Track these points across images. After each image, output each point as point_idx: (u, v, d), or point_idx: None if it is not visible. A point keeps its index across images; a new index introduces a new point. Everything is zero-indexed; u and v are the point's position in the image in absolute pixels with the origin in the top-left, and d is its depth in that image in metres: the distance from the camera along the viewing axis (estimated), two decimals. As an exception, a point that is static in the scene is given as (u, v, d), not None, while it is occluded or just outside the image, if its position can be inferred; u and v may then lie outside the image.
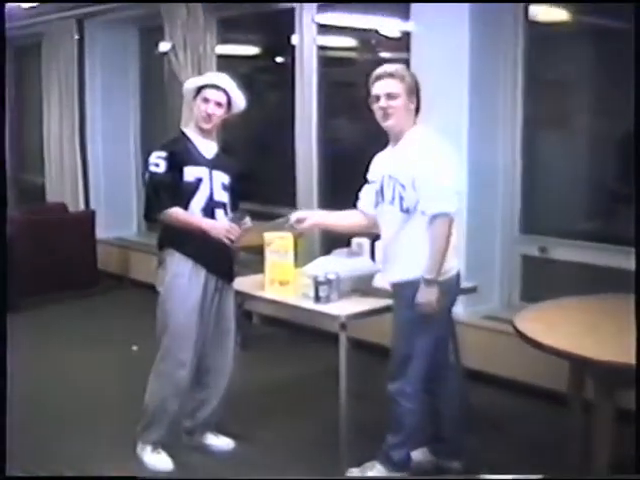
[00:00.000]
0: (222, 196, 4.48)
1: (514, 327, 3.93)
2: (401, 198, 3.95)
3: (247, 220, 4.51)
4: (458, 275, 4.14)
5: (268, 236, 4.53)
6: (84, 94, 9.42)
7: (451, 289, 4.04)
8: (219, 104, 4.39)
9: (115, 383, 5.85)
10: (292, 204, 7.27)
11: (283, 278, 4.48)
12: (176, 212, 4.30)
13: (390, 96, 3.98)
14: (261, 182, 8.04)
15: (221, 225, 4.35)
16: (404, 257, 4.01)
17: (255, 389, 5.27)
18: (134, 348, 6.58)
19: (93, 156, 9.54)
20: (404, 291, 4.01)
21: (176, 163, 4.32)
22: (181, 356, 4.39)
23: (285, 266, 4.49)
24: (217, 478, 4.38)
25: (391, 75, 4.00)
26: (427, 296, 3.87)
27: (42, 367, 6.08)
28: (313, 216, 4.45)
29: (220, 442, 4.73)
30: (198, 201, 4.37)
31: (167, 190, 4.30)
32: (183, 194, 4.34)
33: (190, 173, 4.35)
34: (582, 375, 4.09)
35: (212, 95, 4.37)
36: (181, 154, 4.36)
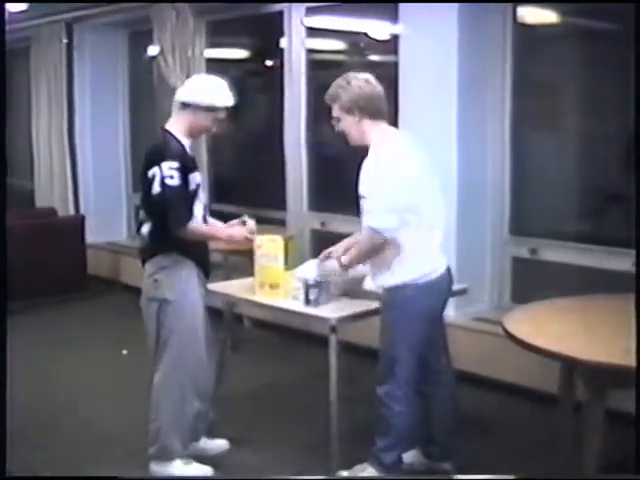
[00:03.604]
0: (204, 197, 4.49)
1: (503, 328, 3.92)
2: (361, 207, 4.07)
3: (250, 222, 4.49)
4: (444, 278, 4.13)
5: (258, 239, 4.48)
6: (73, 98, 9.40)
7: (432, 291, 4.05)
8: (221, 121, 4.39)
9: (106, 387, 5.85)
10: (282, 207, 7.32)
11: (273, 281, 4.46)
12: (197, 228, 4.25)
13: (334, 120, 4.11)
14: (250, 185, 8.09)
15: (239, 233, 4.36)
16: (384, 264, 4.05)
17: (246, 392, 5.27)
18: (124, 352, 6.57)
19: (82, 160, 9.51)
20: (391, 294, 4.06)
21: (184, 173, 4.17)
22: (199, 357, 4.36)
23: (275, 269, 4.47)
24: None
25: (328, 100, 4.11)
26: (327, 267, 4.29)
27: (32, 371, 6.05)
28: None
29: (214, 445, 4.69)
30: (198, 208, 4.33)
31: (185, 203, 4.19)
32: (188, 201, 4.26)
33: (193, 180, 4.28)
34: (572, 376, 4.08)
35: (224, 116, 4.34)
36: (185, 161, 4.21)
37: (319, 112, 7.05)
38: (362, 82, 4.06)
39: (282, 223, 7.35)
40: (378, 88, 4.10)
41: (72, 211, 9.37)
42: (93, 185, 9.46)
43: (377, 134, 4.05)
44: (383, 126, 4.09)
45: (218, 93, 4.30)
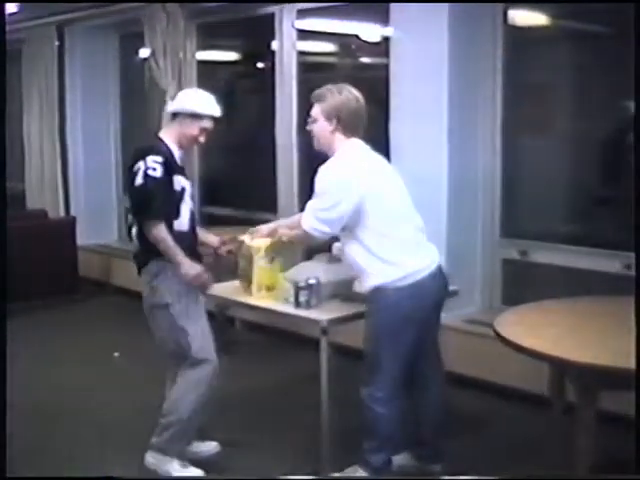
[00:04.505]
0: (193, 206, 4.54)
1: (494, 331, 3.93)
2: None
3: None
4: (432, 278, 4.12)
5: (256, 242, 4.51)
6: (64, 100, 9.39)
7: (416, 292, 4.03)
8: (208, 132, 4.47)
9: (98, 389, 5.85)
10: (273, 210, 7.28)
11: (270, 283, 4.47)
12: (164, 234, 4.23)
13: (310, 119, 4.19)
14: (241, 188, 8.10)
15: (196, 271, 4.32)
16: (360, 267, 4.10)
17: (238, 394, 5.26)
18: (116, 354, 6.58)
19: (73, 162, 9.51)
20: (373, 297, 4.08)
21: (168, 170, 4.27)
22: (211, 358, 4.39)
23: (272, 271, 4.48)
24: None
25: (313, 98, 4.18)
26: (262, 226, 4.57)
27: (23, 373, 6.01)
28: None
29: (206, 447, 4.69)
30: (185, 211, 4.40)
31: (163, 197, 4.25)
32: (173, 203, 4.34)
33: (178, 182, 4.36)
34: (563, 377, 4.10)
35: (210, 126, 4.44)
36: (170, 161, 4.33)
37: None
38: (352, 96, 4.14)
39: None
40: (363, 108, 4.18)
41: (63, 213, 9.37)
42: (84, 187, 9.46)
43: (343, 148, 4.11)
44: (352, 141, 4.15)
45: (203, 102, 4.45)
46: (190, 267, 4.28)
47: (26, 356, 6.46)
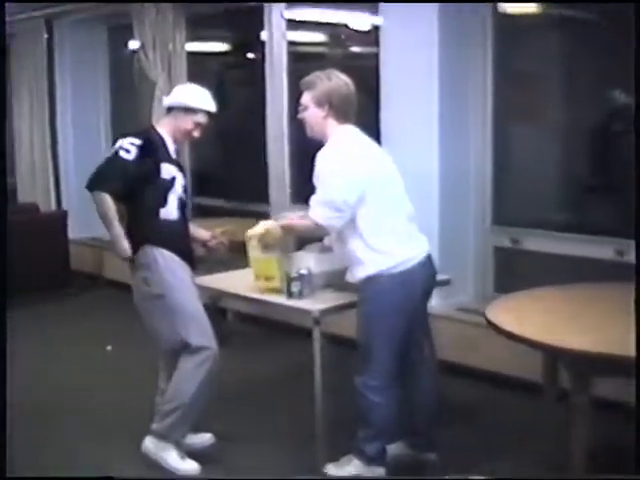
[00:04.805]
0: (185, 197, 4.55)
1: (486, 318, 3.93)
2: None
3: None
4: (422, 266, 4.12)
5: (252, 232, 4.46)
6: (54, 94, 9.39)
7: (408, 281, 4.05)
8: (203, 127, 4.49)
9: (92, 384, 5.84)
10: (265, 200, 7.30)
11: (267, 274, 4.45)
12: (108, 202, 4.24)
13: (301, 107, 4.18)
14: (233, 179, 8.10)
15: (125, 248, 4.34)
16: (356, 257, 4.09)
17: (231, 386, 5.24)
18: (108, 348, 6.58)
19: (64, 156, 9.51)
20: (365, 286, 4.09)
21: (149, 155, 4.30)
22: (210, 344, 4.39)
23: (266, 262, 4.45)
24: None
25: (303, 86, 4.17)
26: (270, 228, 4.35)
27: (17, 369, 5.99)
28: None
29: (200, 439, 4.69)
30: (173, 200, 4.41)
31: (125, 177, 4.26)
32: (160, 190, 4.36)
33: (167, 170, 4.37)
34: (556, 364, 4.09)
35: (204, 121, 4.47)
36: (157, 149, 4.37)
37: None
38: (342, 82, 4.14)
39: (266, 216, 7.22)
40: (354, 94, 4.17)
41: (54, 206, 9.38)
42: (75, 180, 9.33)
43: (337, 134, 4.10)
44: (345, 127, 4.14)
45: (198, 96, 4.48)
46: (121, 250, 4.33)
47: (18, 351, 6.35)
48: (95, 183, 4.28)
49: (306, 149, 7.05)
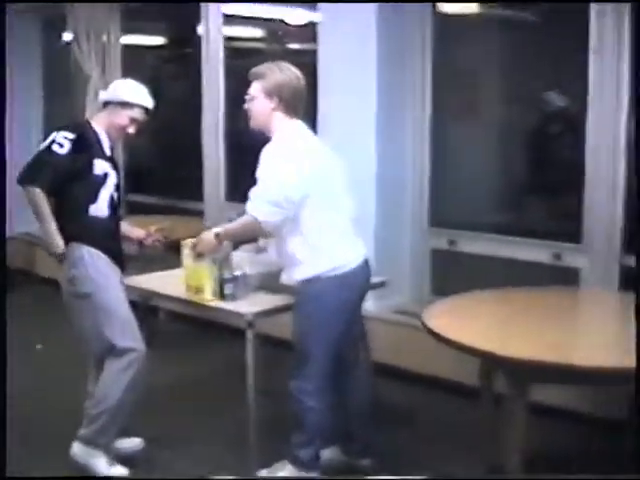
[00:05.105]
0: (118, 195, 4.45)
1: (422, 323, 3.89)
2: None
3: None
4: (361, 270, 4.07)
5: (185, 241, 4.37)
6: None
7: (346, 284, 3.99)
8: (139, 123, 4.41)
9: (18, 382, 5.59)
10: (199, 198, 7.26)
11: (200, 284, 4.32)
12: (40, 198, 4.13)
13: (248, 98, 4.06)
14: (167, 175, 8.06)
15: (58, 253, 4.23)
16: (295, 258, 4.01)
17: (162, 387, 5.14)
18: (38, 347, 6.46)
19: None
20: (304, 288, 4.02)
21: (82, 151, 4.21)
22: (136, 346, 4.29)
23: (196, 271, 4.33)
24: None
25: (252, 76, 4.06)
26: (204, 236, 4.17)
27: None
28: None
29: (129, 444, 4.60)
30: (104, 197, 4.32)
31: (57, 172, 4.17)
32: (91, 187, 4.27)
33: (100, 166, 4.28)
34: (493, 369, 4.05)
35: (141, 117, 4.39)
36: (91, 145, 4.28)
37: (238, 100, 6.96)
38: (293, 75, 4.05)
39: (200, 214, 7.27)
40: (304, 88, 4.09)
41: None
42: (7, 174, 9.13)
43: (284, 129, 4.01)
44: (293, 121, 4.05)
45: (134, 91, 4.40)
46: (55, 246, 4.21)
47: None
48: (27, 177, 4.17)
49: (242, 146, 7.13)
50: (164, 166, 8.22)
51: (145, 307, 4.98)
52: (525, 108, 5.61)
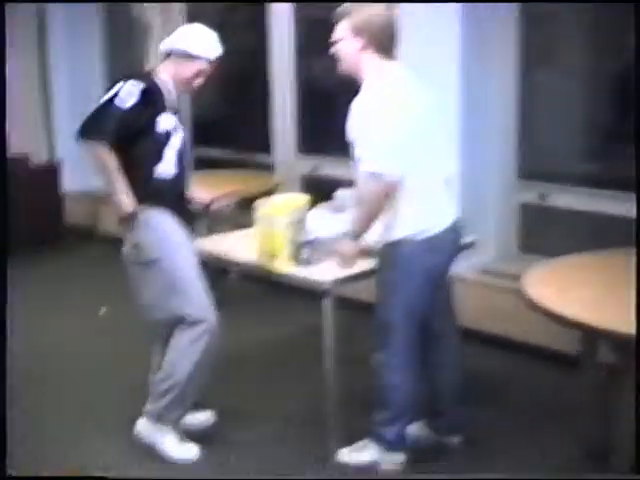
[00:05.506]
0: (185, 152, 4.18)
1: (522, 291, 3.60)
2: (355, 154, 3.65)
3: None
4: (450, 232, 3.78)
5: (258, 202, 4.13)
6: (45, 33, 8.96)
7: (434, 247, 3.69)
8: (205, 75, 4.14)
9: (82, 350, 5.56)
10: (266, 150, 7.15)
11: (273, 249, 4.03)
12: (110, 157, 3.87)
13: (336, 40, 3.74)
14: (233, 126, 7.86)
15: (127, 213, 3.95)
16: (389, 217, 3.69)
17: (232, 354, 4.85)
18: (103, 309, 6.26)
19: (57, 102, 9.09)
20: (388, 251, 3.74)
21: (149, 104, 3.93)
22: (207, 316, 4.03)
23: (275, 235, 4.03)
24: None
25: (337, 16, 3.73)
26: (344, 247, 3.79)
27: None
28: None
29: (199, 419, 4.35)
30: (170, 155, 4.05)
31: (122, 126, 3.86)
32: (156, 144, 3.99)
33: (165, 122, 4.01)
34: (596, 341, 3.70)
35: (207, 68, 4.10)
36: (156, 98, 4.00)
37: (310, 45, 6.82)
38: (381, 8, 3.70)
39: (269, 168, 7.10)
40: (395, 25, 3.73)
41: (46, 156, 9.05)
42: (69, 127, 8.91)
43: (375, 70, 3.66)
44: (387, 63, 3.69)
45: (200, 41, 4.09)
46: (124, 205, 3.94)
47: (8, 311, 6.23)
48: (89, 130, 3.89)
49: (315, 95, 6.83)
50: (230, 117, 7.99)
51: (215, 266, 4.67)
52: (614, 53, 5.24)
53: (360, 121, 3.55)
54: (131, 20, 7.87)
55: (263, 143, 7.08)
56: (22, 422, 4.40)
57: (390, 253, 3.72)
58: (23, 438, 4.24)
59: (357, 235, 3.73)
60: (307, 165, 6.84)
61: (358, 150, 3.57)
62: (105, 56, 9.21)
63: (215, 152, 7.85)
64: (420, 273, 3.69)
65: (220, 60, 4.15)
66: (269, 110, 6.99)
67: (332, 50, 3.75)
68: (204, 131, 7.99)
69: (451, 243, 3.82)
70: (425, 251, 3.66)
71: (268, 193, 4.83)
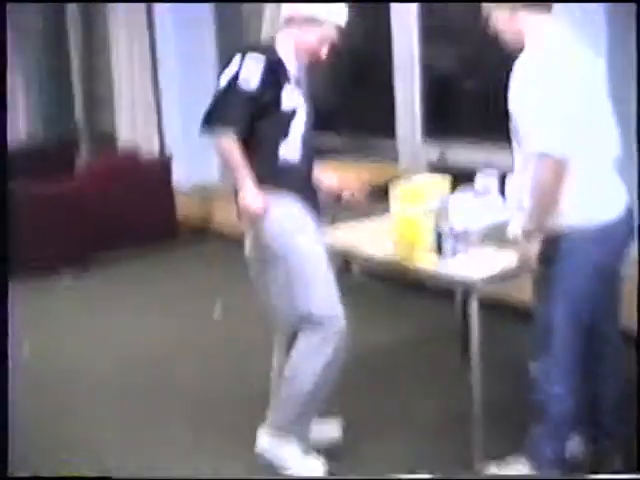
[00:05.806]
0: (311, 133, 3.86)
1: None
2: (515, 129, 3.37)
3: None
4: (622, 222, 3.41)
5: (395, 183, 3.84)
6: (153, 20, 8.86)
7: (605, 239, 3.35)
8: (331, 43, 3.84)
9: (199, 345, 5.44)
10: (390, 135, 6.80)
11: (411, 238, 3.73)
12: (233, 144, 3.62)
13: (486, 18, 3.45)
14: (355, 111, 7.57)
15: (256, 207, 3.67)
16: None
17: (355, 357, 4.43)
18: (216, 313, 6.01)
19: (168, 94, 8.96)
20: (549, 243, 3.38)
21: (272, 79, 3.66)
22: (337, 315, 3.77)
23: (414, 221, 3.72)
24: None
25: None
26: (522, 249, 3.41)
27: (116, 327, 5.84)
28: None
29: (324, 431, 4.02)
30: (295, 136, 3.77)
31: (248, 110, 3.62)
32: (281, 125, 3.74)
33: (289, 98, 3.74)
34: None
35: (333, 35, 3.78)
36: (281, 72, 3.74)
37: (432, 29, 6.60)
38: None
39: (392, 154, 6.79)
40: None
41: (157, 149, 9.00)
42: (180, 119, 8.77)
43: (535, 30, 3.30)
44: (545, 18, 3.32)
45: (328, 4, 3.78)
46: (252, 197, 3.66)
47: (118, 310, 6.26)
48: (214, 122, 3.65)
49: (442, 79, 6.51)
50: (350, 99, 7.77)
51: (337, 260, 4.35)
52: None
53: (528, 88, 3.21)
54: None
55: (385, 127, 6.81)
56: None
57: (554, 246, 3.37)
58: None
59: (535, 230, 3.34)
60: (434, 151, 6.53)
61: (525, 124, 3.24)
62: (215, 36, 8.94)
63: (332, 138, 7.48)
64: (588, 269, 3.37)
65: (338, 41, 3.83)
66: (392, 94, 6.71)
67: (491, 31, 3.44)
68: (321, 115, 7.77)
69: (623, 234, 3.48)
70: (594, 243, 3.33)
71: (393, 182, 4.51)
